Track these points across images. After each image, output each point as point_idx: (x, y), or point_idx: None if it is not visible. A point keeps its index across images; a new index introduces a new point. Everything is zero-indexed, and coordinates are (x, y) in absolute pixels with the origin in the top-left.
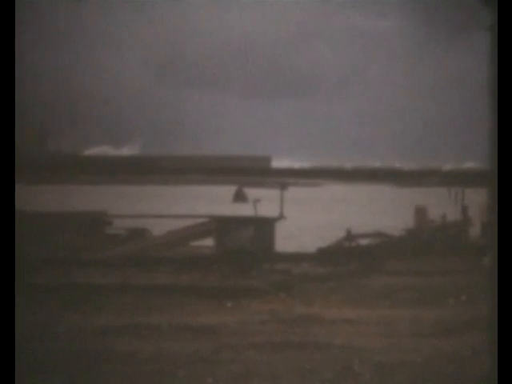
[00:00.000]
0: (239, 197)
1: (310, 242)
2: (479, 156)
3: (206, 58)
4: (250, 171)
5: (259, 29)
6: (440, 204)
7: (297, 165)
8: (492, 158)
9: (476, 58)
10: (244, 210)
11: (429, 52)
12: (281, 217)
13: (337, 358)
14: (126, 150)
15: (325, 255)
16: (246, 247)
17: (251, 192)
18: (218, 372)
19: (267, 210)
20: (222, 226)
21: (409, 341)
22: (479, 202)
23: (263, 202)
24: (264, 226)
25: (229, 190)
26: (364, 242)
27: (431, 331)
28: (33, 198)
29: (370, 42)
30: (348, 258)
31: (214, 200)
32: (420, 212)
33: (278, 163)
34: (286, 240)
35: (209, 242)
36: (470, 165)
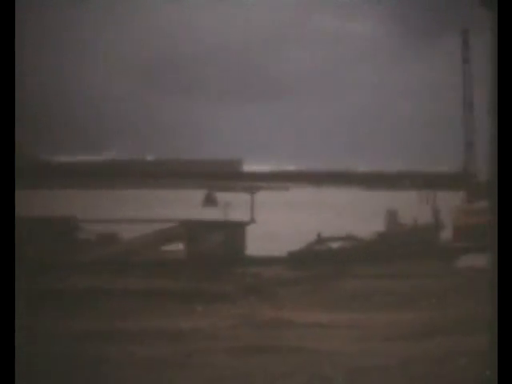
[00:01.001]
0: (209, 201)
1: (280, 246)
2: (452, 160)
3: (178, 61)
4: (221, 175)
5: (232, 32)
6: (411, 207)
7: (268, 169)
8: (466, 162)
9: (449, 61)
10: (214, 215)
11: (401, 54)
12: (251, 221)
13: (308, 362)
14: (102, 156)
15: (295, 259)
16: (216, 251)
17: (222, 196)
18: (190, 376)
19: (238, 214)
20: (192, 230)
21: (381, 344)
22: (451, 205)
23: (234, 206)
24: (234, 230)
25: (199, 195)
26: (335, 245)
27: (403, 334)
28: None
29: (344, 45)
30: (319, 262)
31: (185, 204)
32: (391, 215)
33: (249, 167)
34: (256, 244)
35: (179, 246)
36: (442, 169)
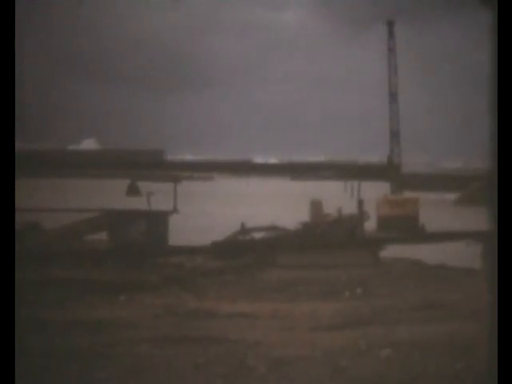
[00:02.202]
0: (132, 190)
1: (203, 236)
2: (377, 150)
3: (102, 51)
4: (144, 165)
5: (157, 21)
6: (336, 197)
7: (192, 158)
8: (391, 152)
9: (375, 52)
10: (137, 204)
11: (330, 45)
12: (174, 210)
13: (232, 352)
14: (22, 145)
15: (219, 249)
16: (139, 241)
17: (145, 186)
18: (112, 366)
19: (161, 203)
20: (115, 219)
21: (305, 335)
22: (375, 195)
23: (157, 195)
24: (157, 220)
25: (122, 184)
26: (259, 235)
27: (328, 325)
28: None
29: (272, 34)
30: (243, 252)
31: (108, 194)
32: (315, 205)
33: (173, 157)
34: (179, 234)
35: (103, 235)
36: (367, 158)
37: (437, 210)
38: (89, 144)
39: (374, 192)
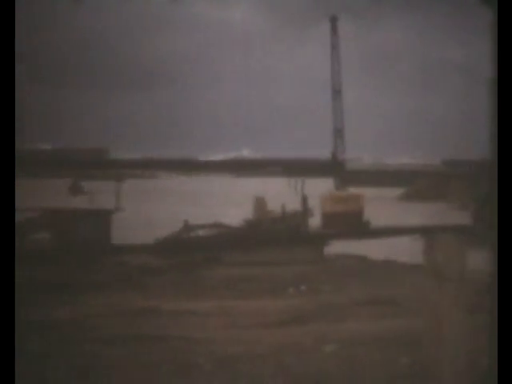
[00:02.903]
0: (75, 189)
1: (148, 234)
2: (322, 147)
3: (48, 49)
4: (88, 163)
5: (104, 19)
6: (280, 194)
7: (136, 156)
8: (335, 149)
9: (321, 49)
10: (80, 203)
11: (277, 43)
12: (118, 209)
13: (178, 349)
14: None
15: (163, 247)
16: (83, 240)
17: (88, 185)
18: (57, 365)
19: (105, 202)
20: (59, 219)
21: (250, 332)
22: (319, 192)
23: (101, 194)
24: (101, 219)
25: (66, 183)
26: (203, 232)
27: (273, 322)
28: None
29: (218, 33)
30: (187, 249)
31: (51, 193)
32: (259, 202)
33: (117, 155)
34: (124, 232)
35: (46, 235)
36: (311, 155)
37: (381, 206)
38: (31, 142)
39: (319, 188)
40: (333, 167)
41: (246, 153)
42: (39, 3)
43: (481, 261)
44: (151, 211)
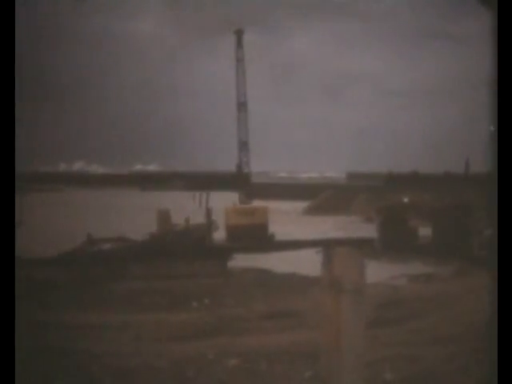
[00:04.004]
0: None
1: (51, 247)
2: (228, 160)
3: None
4: None
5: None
6: (185, 208)
7: (41, 170)
8: (240, 162)
9: (221, 60)
10: None
11: (181, 54)
12: (20, 222)
13: (79, 363)
14: None
15: (66, 260)
16: None
17: None
18: None
19: None
20: None
21: (153, 345)
22: (224, 205)
23: None
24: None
25: None
26: (106, 246)
27: (175, 335)
28: None
29: (121, 46)
30: (90, 263)
31: None
32: (163, 215)
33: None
34: (26, 245)
35: None
36: (216, 168)
37: (287, 219)
38: None
39: (224, 202)
40: (237, 180)
41: (152, 167)
42: None
43: (380, 273)
44: (54, 224)
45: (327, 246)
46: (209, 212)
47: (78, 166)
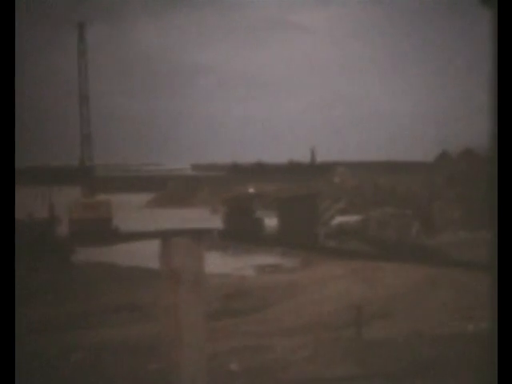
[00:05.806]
0: None
1: None
2: (68, 154)
3: None
4: None
5: None
6: (26, 202)
7: None
8: (83, 156)
9: (71, 55)
10: None
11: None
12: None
13: None
14: None
15: None
16: None
17: None
18: None
19: None
20: None
21: None
22: (68, 199)
23: None
24: None
25: None
26: None
27: (17, 333)
28: None
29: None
30: None
31: None
32: None
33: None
34: None
35: None
36: (59, 163)
37: (131, 212)
38: None
39: (68, 196)
40: (80, 174)
41: None
42: None
43: (227, 264)
44: None
45: (166, 237)
46: (51, 207)
47: None
